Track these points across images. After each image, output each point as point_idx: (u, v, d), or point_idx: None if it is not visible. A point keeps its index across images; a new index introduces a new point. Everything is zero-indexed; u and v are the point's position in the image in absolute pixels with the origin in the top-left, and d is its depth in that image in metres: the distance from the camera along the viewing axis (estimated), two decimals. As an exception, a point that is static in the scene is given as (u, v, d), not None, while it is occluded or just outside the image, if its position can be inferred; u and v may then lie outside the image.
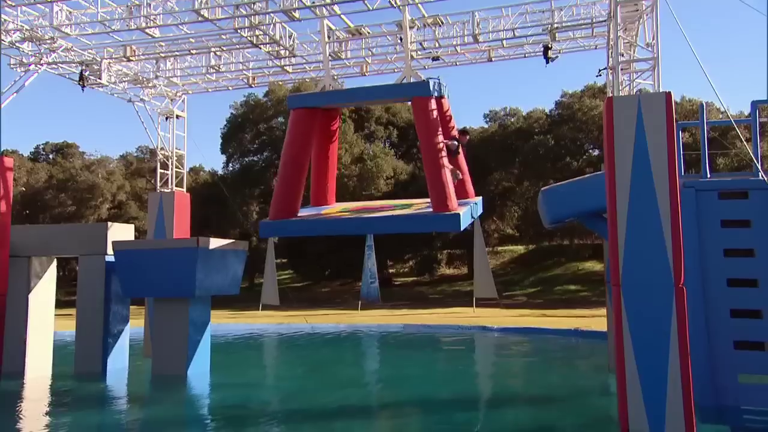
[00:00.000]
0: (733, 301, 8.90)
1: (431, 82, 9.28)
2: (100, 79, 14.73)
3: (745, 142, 10.98)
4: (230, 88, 16.84)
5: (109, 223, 13.43)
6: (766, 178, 8.59)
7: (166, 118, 16.72)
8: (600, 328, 15.90)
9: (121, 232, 13.45)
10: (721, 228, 9.12)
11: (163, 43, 14.54)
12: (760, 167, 9.08)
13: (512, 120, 39.36)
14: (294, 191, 9.86)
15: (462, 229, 8.40)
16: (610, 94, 9.73)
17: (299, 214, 10.10)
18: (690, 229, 8.80)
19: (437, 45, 13.72)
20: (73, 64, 14.78)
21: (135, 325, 14.72)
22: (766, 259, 8.86)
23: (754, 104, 10.00)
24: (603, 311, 16.00)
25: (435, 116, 9.09)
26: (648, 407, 7.23)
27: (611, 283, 7.84)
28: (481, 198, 10.62)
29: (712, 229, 9.12)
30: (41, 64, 14.11)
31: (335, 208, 10.79)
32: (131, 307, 13.82)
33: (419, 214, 9.44)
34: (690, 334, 7.35)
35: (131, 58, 14.65)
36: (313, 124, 9.88)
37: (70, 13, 12.86)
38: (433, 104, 9.13)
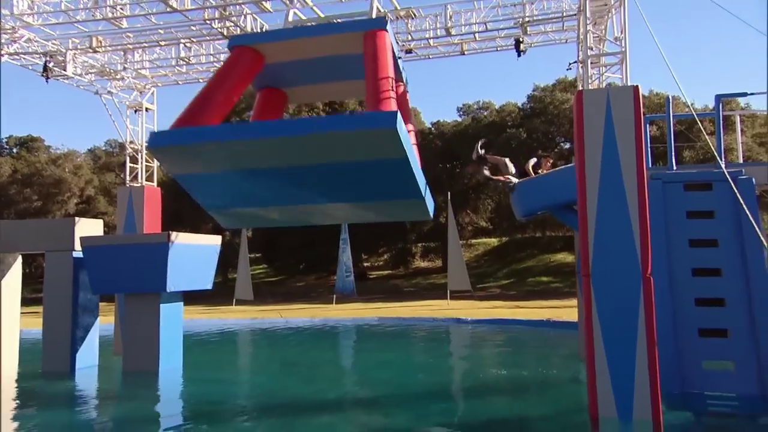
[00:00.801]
0: (697, 290, 9.15)
1: (389, 23, 8.52)
2: (65, 70, 14.33)
3: (708, 136, 11.27)
4: (201, 80, 16.50)
5: (77, 219, 13.13)
6: (726, 171, 8.82)
7: (135, 111, 16.33)
8: (571, 319, 16.21)
9: (89, 227, 13.16)
10: (686, 219, 9.36)
11: (130, 34, 14.19)
12: (722, 160, 9.33)
13: (485, 114, 39.60)
14: (209, 112, 7.97)
15: (397, 128, 6.61)
16: (581, 88, 9.87)
17: None
18: (657, 220, 9.00)
19: (410, 38, 13.73)
20: (37, 55, 14.35)
21: (105, 322, 14.45)
22: (729, 249, 9.13)
23: (718, 98, 10.27)
24: (574, 302, 16.29)
25: (387, 46, 8.01)
26: (616, 394, 7.40)
27: (581, 273, 7.98)
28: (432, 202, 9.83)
29: (678, 219, 9.35)
30: (2, 55, 13.67)
31: None
32: (101, 303, 13.57)
33: (349, 114, 8.21)
34: (657, 322, 7.54)
35: (98, 49, 14.28)
36: (252, 66, 8.49)
37: (32, 1, 12.48)
38: (388, 39, 8.13)
